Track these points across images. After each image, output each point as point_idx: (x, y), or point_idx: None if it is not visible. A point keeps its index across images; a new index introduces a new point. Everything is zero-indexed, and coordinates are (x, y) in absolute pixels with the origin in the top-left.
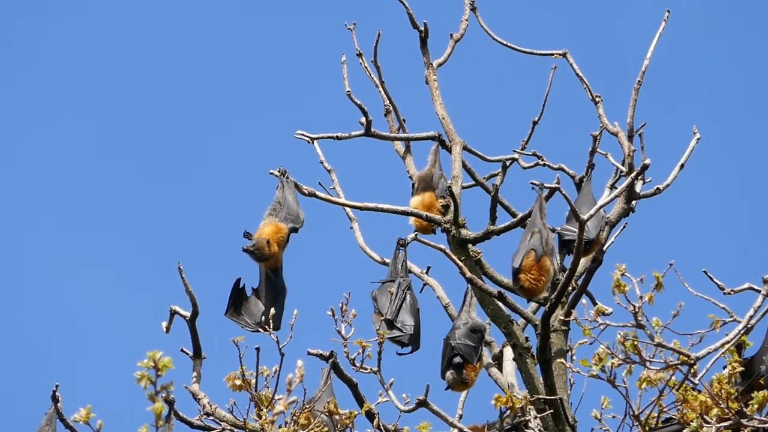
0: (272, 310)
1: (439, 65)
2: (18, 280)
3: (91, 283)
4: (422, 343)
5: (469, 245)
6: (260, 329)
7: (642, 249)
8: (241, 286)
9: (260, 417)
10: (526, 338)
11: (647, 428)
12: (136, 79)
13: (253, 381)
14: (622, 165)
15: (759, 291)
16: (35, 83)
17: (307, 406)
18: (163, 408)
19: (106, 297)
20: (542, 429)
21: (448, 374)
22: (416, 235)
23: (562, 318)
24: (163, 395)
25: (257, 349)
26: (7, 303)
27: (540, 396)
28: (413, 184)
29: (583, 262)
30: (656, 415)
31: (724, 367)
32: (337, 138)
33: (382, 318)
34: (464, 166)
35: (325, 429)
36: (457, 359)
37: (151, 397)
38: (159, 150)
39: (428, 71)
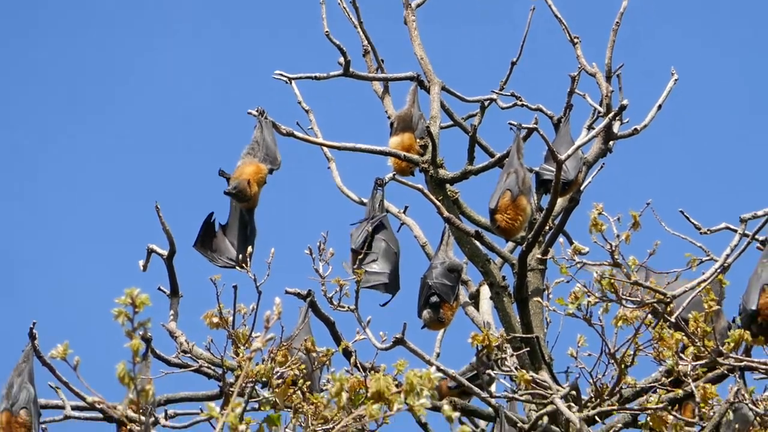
0: (249, 249)
1: (418, 5)
2: None
3: (68, 222)
4: (401, 282)
5: (447, 185)
6: (229, 265)
7: (619, 189)
8: (212, 220)
9: (237, 355)
10: (503, 277)
11: (623, 366)
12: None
13: (231, 319)
14: (600, 106)
15: (735, 230)
16: None
17: (285, 344)
18: (141, 345)
19: (84, 236)
20: (518, 367)
21: (425, 313)
22: (394, 174)
23: (539, 257)
24: (141, 332)
25: (234, 287)
26: None
27: (516, 334)
28: (392, 124)
29: (561, 201)
30: (632, 353)
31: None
32: (316, 78)
33: (352, 250)
34: (442, 106)
35: (303, 366)
36: (434, 298)
37: (128, 334)
38: (136, 88)
39: (407, 11)
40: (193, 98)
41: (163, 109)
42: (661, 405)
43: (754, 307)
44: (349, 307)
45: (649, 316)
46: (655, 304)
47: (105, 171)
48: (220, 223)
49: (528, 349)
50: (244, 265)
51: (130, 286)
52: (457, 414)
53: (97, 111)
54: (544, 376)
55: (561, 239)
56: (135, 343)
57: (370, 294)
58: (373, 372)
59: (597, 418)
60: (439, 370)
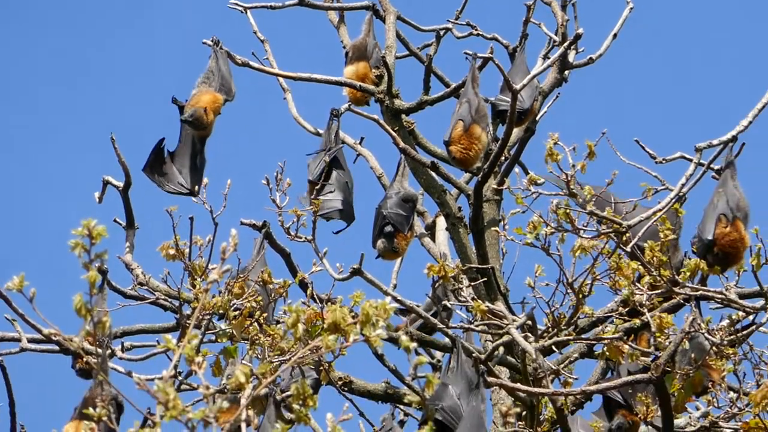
0: (205, 180)
1: None
2: None
3: (21, 154)
4: (357, 214)
5: (403, 115)
6: (176, 192)
7: (575, 119)
8: (162, 146)
9: (194, 286)
10: (459, 208)
11: (580, 296)
12: None
13: (187, 251)
14: (556, 35)
15: (691, 160)
16: None
17: (241, 276)
18: (97, 277)
19: (38, 168)
20: (474, 298)
21: (379, 243)
22: (350, 105)
23: (494, 187)
24: (97, 264)
25: (191, 218)
26: None
27: (472, 265)
28: (347, 54)
29: (516, 132)
30: (589, 282)
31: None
32: (271, 8)
33: (309, 181)
34: (398, 36)
35: (259, 298)
36: (389, 228)
37: (85, 266)
38: (90, 20)
39: None
40: (148, 28)
41: (116, 37)
42: (617, 335)
43: (710, 237)
44: (306, 238)
45: (608, 245)
46: (611, 234)
47: (59, 103)
48: (168, 150)
49: (484, 279)
50: (196, 194)
51: (86, 218)
52: (414, 345)
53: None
54: (500, 306)
55: (517, 169)
56: (91, 275)
57: (327, 225)
58: (329, 303)
59: (553, 348)
60: (395, 300)
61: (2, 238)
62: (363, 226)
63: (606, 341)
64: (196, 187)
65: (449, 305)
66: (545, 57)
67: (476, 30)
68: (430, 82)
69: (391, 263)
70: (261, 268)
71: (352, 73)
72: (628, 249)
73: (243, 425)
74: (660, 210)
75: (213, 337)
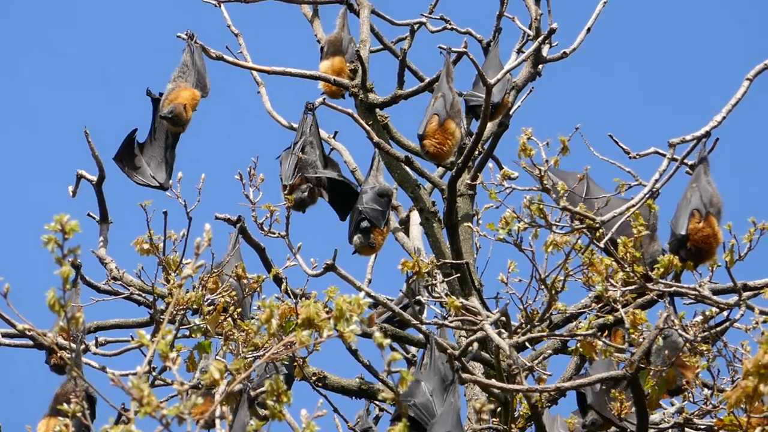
0: (180, 174)
1: None
2: None
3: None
4: (331, 210)
5: (377, 109)
6: (144, 184)
7: (548, 113)
8: (134, 137)
9: (168, 281)
10: (433, 203)
11: (553, 291)
12: None
13: (161, 245)
14: (529, 29)
15: (664, 155)
16: None
17: (215, 271)
18: (71, 272)
19: (12, 162)
20: (448, 293)
21: (356, 238)
22: (324, 99)
23: (468, 182)
24: (71, 259)
25: (165, 213)
26: None
27: (446, 260)
28: (322, 48)
29: (490, 126)
30: (562, 278)
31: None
32: (245, 1)
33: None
34: (372, 30)
35: (233, 293)
36: (365, 223)
37: (58, 261)
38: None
39: None
40: (121, 21)
41: (90, 31)
42: (590, 331)
43: (683, 232)
44: (279, 234)
45: (580, 241)
46: (584, 230)
47: (33, 96)
48: (138, 142)
49: (458, 275)
50: (167, 188)
51: (59, 212)
52: (388, 341)
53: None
54: (474, 302)
55: (490, 164)
56: (65, 270)
57: (301, 220)
58: (303, 299)
59: (527, 344)
60: (369, 296)
61: None
62: (337, 221)
63: (580, 337)
64: (168, 181)
65: (422, 300)
66: (519, 51)
67: (450, 24)
68: (405, 77)
69: (366, 258)
70: (235, 262)
71: (327, 68)
72: (602, 245)
73: (217, 421)
74: (633, 205)
75: (187, 333)
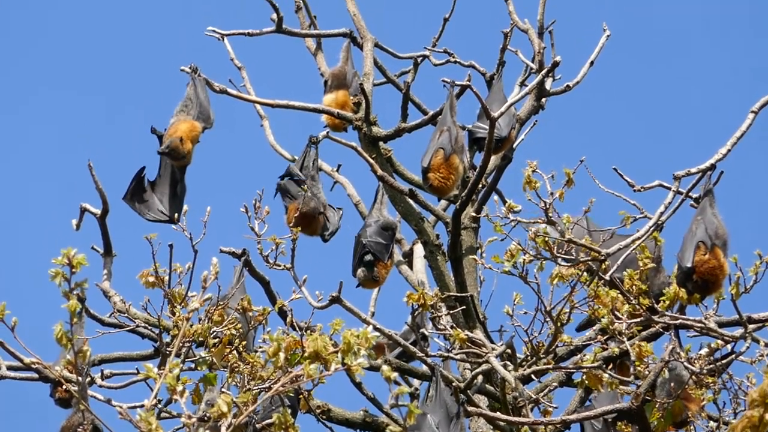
0: (185, 207)
1: None
2: None
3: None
4: (335, 241)
5: (381, 143)
6: (156, 220)
7: (552, 146)
8: (143, 175)
9: (174, 314)
10: (437, 235)
11: (558, 324)
12: None
13: (167, 278)
14: (533, 62)
15: (669, 188)
16: None
17: (221, 304)
18: (78, 305)
19: (16, 196)
20: (453, 326)
21: (360, 271)
22: (328, 132)
23: (472, 215)
24: (78, 292)
25: (170, 246)
26: None
27: (451, 293)
28: (326, 82)
29: (494, 159)
30: (568, 311)
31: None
32: (248, 35)
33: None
34: (375, 63)
35: (239, 326)
36: (369, 257)
37: (65, 295)
38: (67, 45)
39: None
40: (126, 55)
41: (95, 66)
42: (596, 363)
43: (689, 264)
44: (285, 266)
45: (585, 273)
46: (589, 262)
47: (37, 130)
48: (148, 179)
49: (463, 307)
50: (176, 221)
51: (64, 246)
52: (395, 374)
53: (25, 67)
54: (478, 334)
55: (494, 197)
56: (72, 304)
57: (306, 252)
58: (309, 332)
59: (532, 376)
60: (375, 329)
61: None
62: (342, 253)
63: (585, 370)
64: (177, 215)
65: (428, 333)
66: (522, 84)
67: (453, 57)
68: (408, 110)
69: (370, 291)
70: (241, 295)
71: (331, 101)
72: (607, 277)
73: None
74: (638, 238)
75: (192, 365)
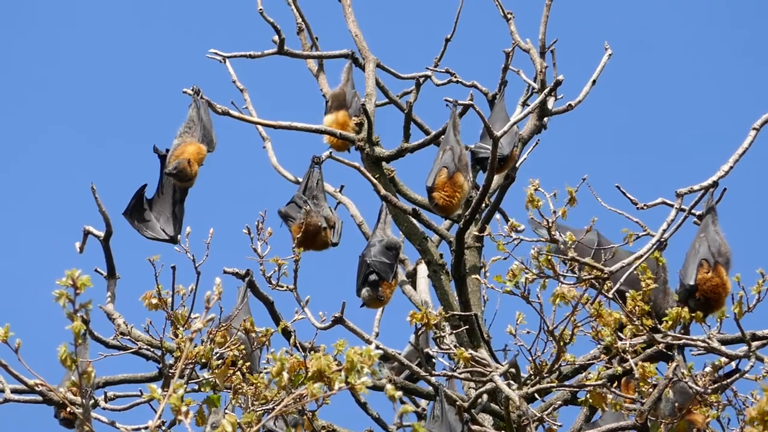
0: (188, 229)
1: None
2: None
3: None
4: (337, 262)
5: (383, 163)
6: (154, 238)
7: (555, 165)
8: (144, 193)
9: (176, 336)
10: (441, 255)
11: (561, 343)
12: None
13: (170, 300)
14: (535, 82)
15: (672, 205)
16: None
17: (224, 325)
18: (82, 327)
19: (19, 218)
20: (457, 345)
21: (364, 291)
22: (330, 152)
23: (476, 234)
24: (82, 314)
25: (173, 267)
26: None
27: (455, 312)
28: (327, 102)
29: (496, 178)
30: (570, 330)
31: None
32: (250, 56)
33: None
34: (377, 83)
35: (242, 347)
36: (373, 276)
37: (69, 316)
38: (68, 68)
39: None
40: (127, 77)
41: (96, 88)
42: (600, 382)
43: (692, 282)
44: (287, 287)
45: (588, 293)
46: (592, 281)
47: (40, 151)
48: (146, 198)
49: (467, 327)
50: (177, 241)
51: (67, 269)
52: (399, 393)
53: (27, 90)
54: (483, 353)
55: (497, 216)
56: (77, 325)
57: (309, 273)
58: (312, 352)
59: (536, 395)
60: (379, 348)
61: None
62: (345, 273)
63: (589, 388)
64: (177, 236)
65: (431, 353)
66: (525, 104)
67: (455, 77)
68: (410, 130)
69: (373, 311)
70: (244, 316)
71: (331, 122)
72: (610, 296)
73: None
74: (641, 256)
75: (196, 387)
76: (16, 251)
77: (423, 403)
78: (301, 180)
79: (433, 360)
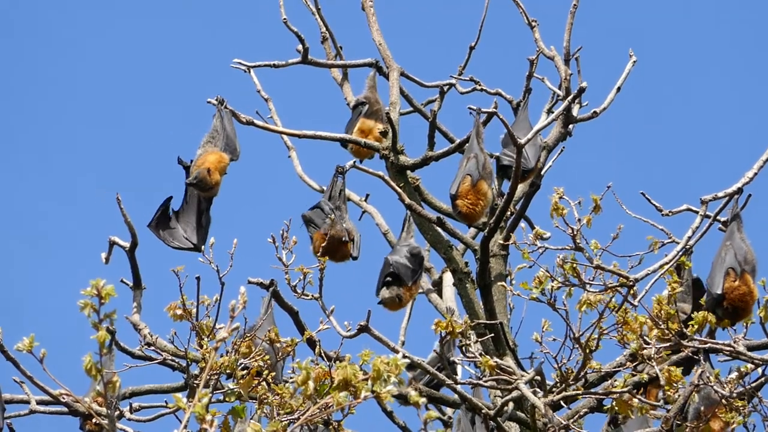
0: (212, 240)
1: None
2: None
3: (28, 216)
4: (363, 271)
5: (408, 171)
6: (180, 248)
7: (579, 173)
8: (169, 204)
9: (201, 346)
10: (466, 263)
11: (588, 350)
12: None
13: (194, 310)
14: (559, 89)
15: (697, 212)
16: None
17: (248, 335)
18: (107, 336)
19: (45, 230)
20: (482, 353)
21: (383, 290)
22: (355, 162)
23: (501, 242)
24: (107, 323)
25: (197, 278)
26: None
27: (480, 320)
28: (361, 104)
29: (521, 186)
30: (596, 337)
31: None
32: (274, 66)
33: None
34: (402, 92)
35: (267, 357)
36: (393, 276)
37: (94, 326)
38: (92, 79)
39: None
40: (152, 87)
41: (120, 98)
42: (626, 389)
43: (719, 291)
44: (312, 296)
45: (614, 299)
46: (618, 288)
47: (65, 162)
48: (173, 209)
49: (492, 335)
50: (201, 252)
51: (91, 280)
52: (424, 399)
53: (51, 100)
54: (508, 361)
55: (522, 224)
56: (101, 335)
57: (333, 282)
58: (338, 362)
59: (562, 402)
60: (405, 357)
61: (10, 301)
62: (370, 283)
63: (615, 395)
64: (201, 244)
65: (456, 361)
66: (549, 111)
67: (479, 85)
68: (435, 138)
69: (399, 319)
70: (269, 326)
71: (369, 128)
72: (636, 303)
73: None
74: (667, 263)
75: (221, 397)
76: (42, 262)
77: (449, 411)
78: (325, 188)
79: (456, 366)
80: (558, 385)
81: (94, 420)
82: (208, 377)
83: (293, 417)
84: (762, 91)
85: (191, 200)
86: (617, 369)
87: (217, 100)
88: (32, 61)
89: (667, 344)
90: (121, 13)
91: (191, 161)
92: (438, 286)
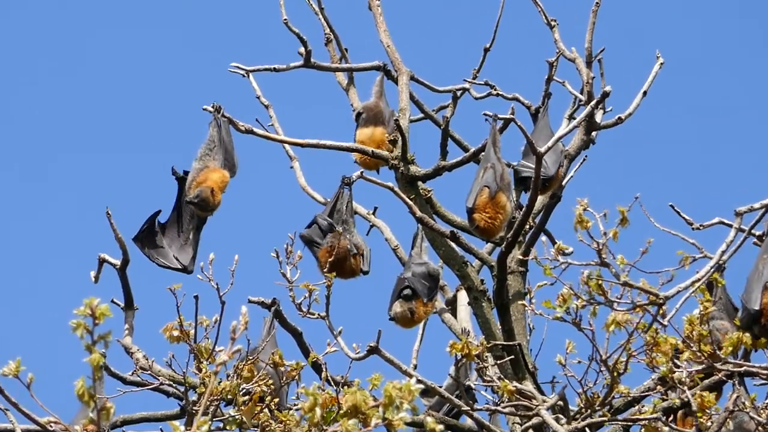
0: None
1: None
2: None
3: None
4: (372, 289)
5: (419, 182)
6: (166, 267)
7: (604, 183)
8: (157, 218)
9: (200, 370)
10: (482, 281)
11: (615, 373)
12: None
13: (192, 332)
14: (581, 93)
15: (731, 225)
16: None
17: (251, 358)
18: (101, 359)
19: (31, 247)
20: (501, 377)
21: (396, 305)
22: (362, 172)
23: (519, 258)
24: (101, 346)
25: (196, 297)
26: None
27: (497, 342)
28: (359, 114)
29: (541, 198)
30: (624, 359)
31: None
32: (275, 70)
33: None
34: (412, 97)
35: (270, 382)
36: (407, 291)
37: (87, 348)
38: (84, 85)
39: None
40: (145, 94)
41: (113, 105)
42: (655, 415)
43: (756, 307)
44: (319, 315)
45: (643, 319)
46: (647, 306)
47: (53, 174)
48: (160, 222)
49: (510, 357)
50: (190, 271)
51: (83, 299)
52: (441, 427)
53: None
54: (528, 386)
55: (543, 238)
56: (95, 358)
57: (340, 301)
58: (345, 386)
59: (587, 429)
60: (418, 381)
61: None
62: (379, 302)
63: (644, 422)
64: (192, 265)
65: (473, 385)
66: (570, 117)
67: (495, 90)
68: (448, 147)
69: (410, 341)
70: (271, 349)
71: (366, 138)
72: (666, 322)
73: None
74: (699, 280)
75: (221, 425)
76: (26, 282)
77: None
78: (328, 201)
79: (473, 393)
80: (582, 411)
81: None
82: (207, 403)
83: None
84: None
85: (183, 216)
86: (646, 393)
87: (213, 107)
88: (30, 66)
89: (700, 367)
90: (113, 18)
91: (185, 172)
92: (452, 305)
